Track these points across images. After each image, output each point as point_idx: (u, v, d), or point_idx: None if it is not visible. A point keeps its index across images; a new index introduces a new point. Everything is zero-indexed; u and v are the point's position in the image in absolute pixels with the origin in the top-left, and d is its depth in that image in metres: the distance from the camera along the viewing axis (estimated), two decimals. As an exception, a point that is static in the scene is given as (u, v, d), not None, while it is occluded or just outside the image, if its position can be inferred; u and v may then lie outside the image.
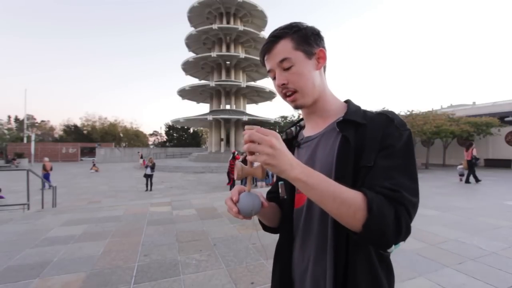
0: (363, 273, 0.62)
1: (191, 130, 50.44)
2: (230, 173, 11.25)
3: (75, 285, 2.49)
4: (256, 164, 0.63)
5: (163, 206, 5.88)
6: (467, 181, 9.61)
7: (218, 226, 4.33)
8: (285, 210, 0.80)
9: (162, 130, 60.58)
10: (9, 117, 44.79)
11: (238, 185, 0.70)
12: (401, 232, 0.54)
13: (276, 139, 0.55)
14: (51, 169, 11.88)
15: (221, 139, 26.14)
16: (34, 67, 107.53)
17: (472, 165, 9.49)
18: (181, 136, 50.35)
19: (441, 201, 6.34)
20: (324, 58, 0.73)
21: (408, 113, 18.32)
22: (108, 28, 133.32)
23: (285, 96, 0.73)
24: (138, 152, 29.33)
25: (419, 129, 15.74)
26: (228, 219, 4.72)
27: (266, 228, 0.87)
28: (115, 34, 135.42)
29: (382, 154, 0.61)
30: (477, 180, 9.58)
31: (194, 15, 27.94)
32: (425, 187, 8.79)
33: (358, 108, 0.73)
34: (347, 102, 0.78)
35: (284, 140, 0.82)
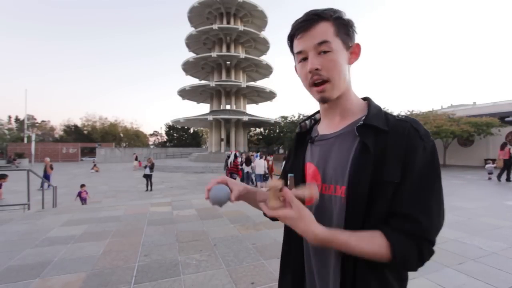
0: (374, 283, 0.61)
1: (191, 130, 50.44)
2: (233, 173, 11.10)
3: (75, 285, 2.49)
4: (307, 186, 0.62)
5: (163, 206, 5.88)
6: (506, 179, 9.92)
7: (218, 226, 4.33)
8: None
9: (162, 130, 60.50)
10: (9, 117, 44.94)
11: (220, 177, 0.73)
12: (424, 260, 0.58)
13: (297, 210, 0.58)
14: (51, 168, 11.87)
15: (221, 139, 26.13)
16: (35, 67, 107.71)
17: (510, 164, 9.80)
18: (181, 136, 50.35)
19: (441, 201, 6.33)
20: (358, 54, 0.68)
21: (409, 113, 18.34)
22: (109, 29, 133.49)
23: (312, 85, 0.66)
24: (134, 154, 28.89)
25: (419, 129, 15.73)
26: (228, 219, 4.72)
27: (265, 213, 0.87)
28: (115, 35, 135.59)
29: (408, 173, 0.58)
30: (509, 180, 9.85)
31: (194, 15, 27.94)
32: (426, 187, 8.78)
33: (379, 110, 0.68)
34: (367, 100, 0.73)
35: (298, 134, 0.81)
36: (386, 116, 0.66)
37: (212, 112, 27.03)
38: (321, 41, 0.63)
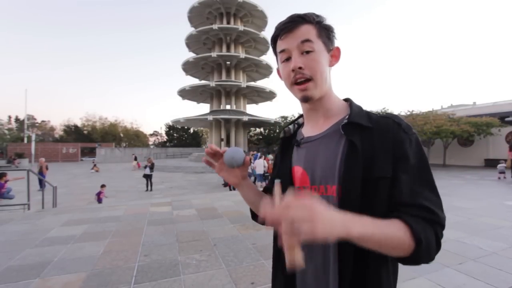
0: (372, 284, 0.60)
1: (191, 130, 50.43)
2: None
3: (76, 285, 2.49)
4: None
5: (163, 206, 5.88)
6: None
7: (218, 226, 4.33)
8: None
9: (163, 130, 60.59)
10: (9, 117, 44.91)
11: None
12: (439, 246, 0.58)
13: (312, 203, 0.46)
14: (46, 168, 11.75)
15: (221, 139, 26.13)
16: (35, 67, 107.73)
17: None
18: (181, 136, 50.35)
19: (441, 201, 6.33)
20: (338, 57, 0.71)
21: (409, 113, 18.34)
22: (109, 29, 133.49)
23: (294, 84, 0.67)
24: (133, 155, 28.52)
25: (419, 129, 15.75)
26: (228, 219, 4.72)
27: (253, 216, 0.89)
28: (116, 35, 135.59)
29: (401, 166, 0.59)
30: None
31: (194, 15, 27.94)
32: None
33: (361, 108, 0.71)
34: (348, 101, 0.75)
35: (282, 139, 0.82)
36: (368, 114, 0.68)
37: (212, 112, 27.03)
38: (304, 39, 0.65)
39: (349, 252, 0.60)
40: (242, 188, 0.83)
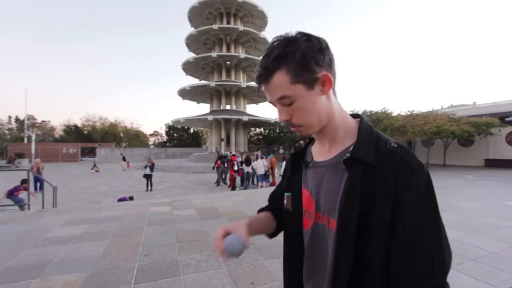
0: None
1: (192, 130, 50.45)
2: (218, 167, 11.93)
3: (76, 285, 2.49)
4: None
5: (163, 206, 5.88)
6: None
7: (218, 226, 4.31)
8: (292, 227, 0.75)
9: (163, 130, 60.58)
10: (9, 117, 44.96)
11: (225, 226, 0.72)
12: None
13: None
14: (42, 168, 11.66)
15: (222, 139, 26.12)
16: (35, 67, 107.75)
17: None
18: (181, 136, 50.36)
19: (441, 201, 6.23)
20: (329, 81, 0.62)
21: (409, 113, 18.33)
22: (109, 29, 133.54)
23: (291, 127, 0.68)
24: (121, 154, 25.82)
25: (419, 129, 15.74)
26: (228, 219, 4.72)
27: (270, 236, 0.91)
28: (116, 36, 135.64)
29: (401, 217, 0.55)
30: None
31: (194, 15, 27.94)
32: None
33: (370, 134, 0.64)
34: (359, 120, 0.69)
35: (292, 155, 0.81)
36: (378, 142, 0.62)
37: (212, 112, 27.04)
38: (279, 96, 0.62)
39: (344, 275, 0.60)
40: (253, 235, 0.81)
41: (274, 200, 0.89)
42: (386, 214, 0.55)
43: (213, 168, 12.62)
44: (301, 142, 0.89)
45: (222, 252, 0.66)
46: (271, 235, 0.88)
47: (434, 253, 0.55)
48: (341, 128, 0.68)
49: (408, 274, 0.54)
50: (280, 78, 0.60)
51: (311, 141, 0.81)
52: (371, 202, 0.56)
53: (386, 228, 0.56)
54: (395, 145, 0.60)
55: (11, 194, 6.62)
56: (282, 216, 0.81)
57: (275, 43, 0.61)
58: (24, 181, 6.86)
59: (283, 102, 0.63)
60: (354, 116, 0.72)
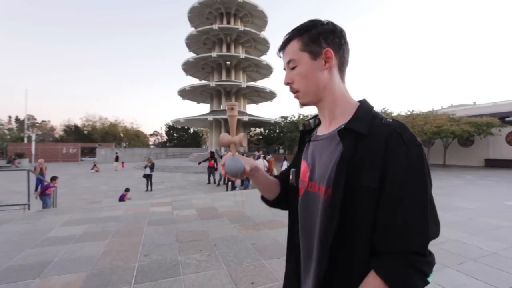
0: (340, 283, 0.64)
1: (192, 130, 50.44)
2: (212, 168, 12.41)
3: (76, 285, 2.49)
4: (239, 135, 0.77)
5: (163, 206, 5.88)
6: None
7: (218, 226, 4.33)
8: (292, 195, 0.84)
9: (163, 130, 60.58)
10: (9, 117, 44.90)
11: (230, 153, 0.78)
12: (426, 276, 0.57)
13: None
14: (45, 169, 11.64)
15: (222, 139, 26.12)
16: (35, 67, 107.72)
17: None
18: (181, 136, 50.36)
19: (441, 202, 6.33)
20: (331, 57, 0.71)
21: (409, 113, 18.33)
22: (110, 30, 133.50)
23: (292, 93, 0.77)
24: (116, 153, 24.31)
25: (419, 129, 15.74)
26: (228, 219, 4.72)
27: (262, 198, 0.95)
28: (117, 36, 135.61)
29: (388, 183, 0.58)
30: None
31: (194, 15, 27.95)
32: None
33: (369, 111, 0.69)
34: (361, 102, 0.75)
35: (302, 132, 0.88)
36: (374, 119, 0.66)
37: (212, 112, 27.04)
38: (288, 60, 0.74)
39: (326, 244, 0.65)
40: (254, 180, 0.86)
41: (283, 175, 0.95)
42: (374, 179, 0.59)
43: (199, 163, 13.23)
44: (310, 121, 0.92)
45: (222, 167, 0.76)
46: (270, 202, 0.93)
47: (416, 220, 0.57)
48: (341, 105, 0.74)
49: (389, 238, 0.58)
50: (293, 45, 0.73)
51: (320, 122, 0.85)
52: (361, 170, 0.61)
53: (374, 193, 0.60)
54: (391, 120, 0.65)
55: (44, 193, 6.61)
56: (288, 191, 0.87)
57: (304, 22, 0.74)
58: (54, 178, 6.98)
59: (289, 65, 0.74)
60: (360, 101, 0.78)
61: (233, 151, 0.77)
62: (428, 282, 0.58)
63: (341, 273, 0.63)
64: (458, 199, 6.60)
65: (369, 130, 0.64)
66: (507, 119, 16.92)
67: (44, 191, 6.59)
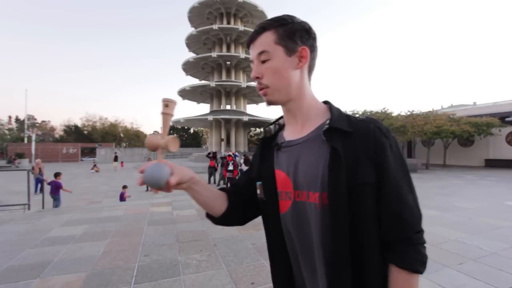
0: None
1: (192, 131, 50.48)
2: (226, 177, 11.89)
3: (76, 285, 2.49)
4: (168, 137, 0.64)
5: (163, 206, 5.88)
6: None
7: (218, 226, 4.32)
8: (269, 214, 0.74)
9: (162, 130, 60.39)
10: (9, 117, 44.91)
11: (164, 160, 0.65)
12: (424, 259, 0.63)
13: None
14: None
15: (222, 139, 26.11)
16: (35, 67, 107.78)
17: None
18: (181, 136, 50.35)
19: (441, 202, 6.33)
20: (305, 57, 0.68)
21: (409, 113, 18.32)
22: (111, 30, 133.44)
23: (259, 90, 0.70)
24: (115, 153, 24.29)
25: (419, 129, 15.74)
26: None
27: (207, 215, 0.81)
28: (117, 37, 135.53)
29: (385, 174, 0.61)
30: None
31: (194, 15, 27.94)
32: (426, 188, 8.78)
33: (340, 112, 0.70)
34: (327, 103, 0.74)
35: (263, 139, 0.80)
36: (348, 117, 0.67)
37: (212, 112, 27.02)
38: (260, 51, 0.67)
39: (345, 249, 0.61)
40: (190, 193, 0.73)
41: (235, 186, 0.84)
42: (371, 174, 0.61)
43: (207, 154, 13.12)
44: (271, 127, 0.87)
45: (141, 177, 0.61)
46: (216, 219, 0.79)
47: (413, 203, 0.63)
48: (312, 108, 0.72)
49: (398, 226, 0.61)
50: (267, 36, 0.67)
51: (281, 127, 0.80)
52: (355, 167, 0.60)
53: (373, 188, 0.61)
54: (364, 117, 0.68)
55: (57, 191, 6.64)
56: (259, 206, 0.77)
57: (280, 15, 0.69)
58: (58, 174, 7.07)
59: (261, 57, 0.68)
60: (324, 102, 0.76)
61: (159, 156, 0.63)
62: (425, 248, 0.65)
63: (355, 279, 0.61)
64: (458, 199, 6.60)
65: (352, 128, 0.64)
66: (507, 119, 16.91)
67: (57, 188, 6.63)
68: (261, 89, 0.70)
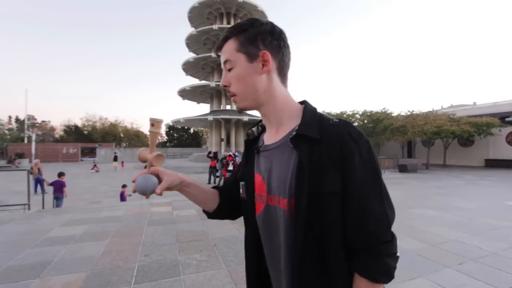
0: None
1: (192, 131, 50.45)
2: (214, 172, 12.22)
3: (76, 285, 2.49)
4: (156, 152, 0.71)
5: (163, 206, 5.88)
6: None
7: (218, 226, 4.33)
8: (247, 214, 0.78)
9: (163, 131, 60.56)
10: (9, 117, 44.88)
11: (153, 168, 0.72)
12: (393, 267, 0.61)
13: None
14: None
15: (222, 139, 26.11)
16: (35, 67, 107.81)
17: None
18: (181, 137, 50.37)
19: (441, 202, 6.33)
20: (268, 61, 0.66)
21: (409, 113, 18.32)
22: (111, 30, 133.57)
23: (230, 97, 0.72)
24: (115, 153, 24.23)
25: (419, 129, 15.74)
26: (228, 219, 4.71)
27: (203, 210, 0.88)
28: (117, 37, 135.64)
29: (350, 184, 0.60)
30: None
31: (194, 15, 27.95)
32: (426, 188, 8.78)
33: (314, 114, 0.68)
34: (304, 104, 0.73)
35: (246, 142, 0.82)
36: (321, 121, 0.65)
37: (212, 112, 27.04)
38: (224, 60, 0.69)
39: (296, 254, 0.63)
40: (183, 193, 0.78)
41: (226, 185, 0.89)
42: (336, 183, 0.60)
43: (208, 154, 13.35)
44: (253, 129, 0.87)
45: (133, 186, 0.68)
46: (210, 213, 0.86)
47: (380, 214, 0.61)
48: (286, 111, 0.71)
49: (362, 237, 0.60)
50: (230, 44, 0.68)
51: (264, 129, 0.81)
52: (321, 175, 0.60)
53: (338, 196, 0.61)
54: (337, 120, 0.65)
55: (60, 191, 6.65)
56: (241, 205, 0.82)
57: (242, 21, 0.69)
58: (62, 174, 7.11)
59: (226, 66, 0.69)
60: (301, 102, 0.75)
61: (148, 169, 0.71)
62: (398, 257, 0.63)
63: (318, 283, 0.62)
64: (458, 199, 6.60)
65: (320, 134, 0.62)
66: (507, 119, 16.90)
67: (60, 189, 6.65)
68: (231, 96, 0.71)
